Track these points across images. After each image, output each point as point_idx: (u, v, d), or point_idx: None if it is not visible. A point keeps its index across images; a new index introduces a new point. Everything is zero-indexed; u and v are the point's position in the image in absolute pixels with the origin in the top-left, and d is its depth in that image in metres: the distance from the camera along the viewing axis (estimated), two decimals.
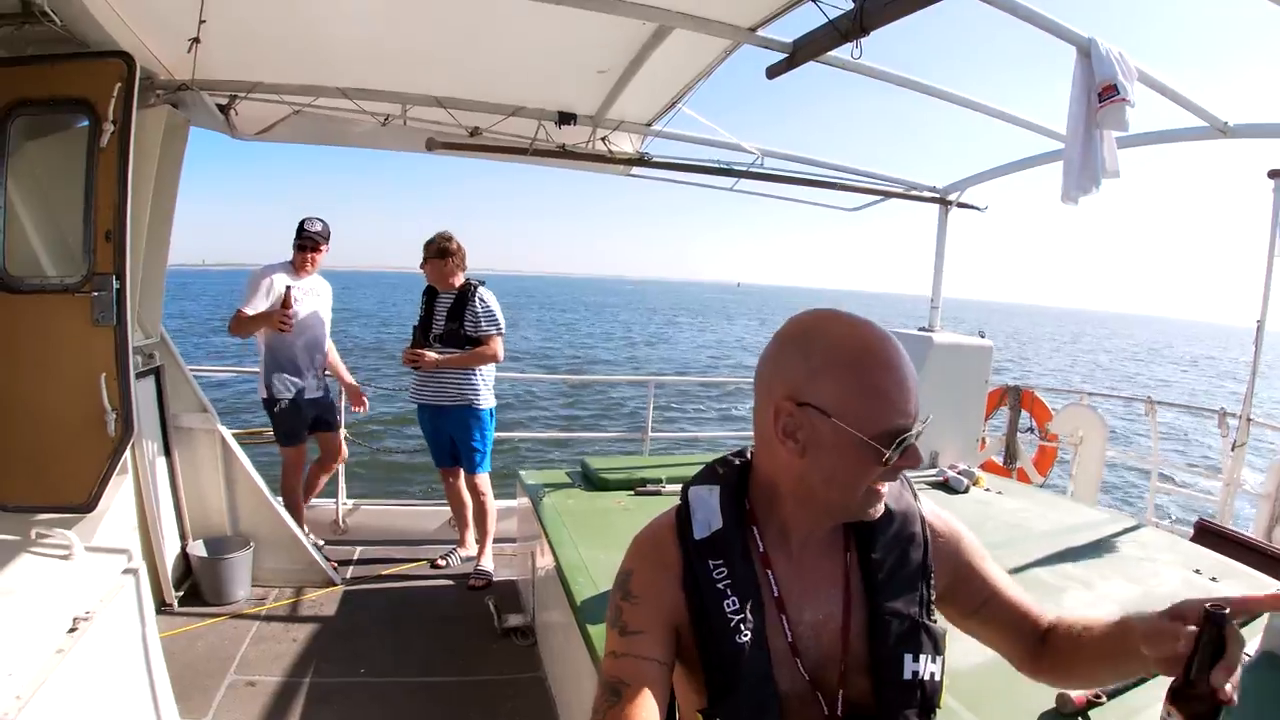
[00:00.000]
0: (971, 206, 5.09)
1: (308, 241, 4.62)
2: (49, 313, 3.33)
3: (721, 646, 1.13)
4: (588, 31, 3.36)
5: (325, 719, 3.27)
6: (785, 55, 3.35)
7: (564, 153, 4.52)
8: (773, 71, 3.48)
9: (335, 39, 3.65)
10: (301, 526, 4.67)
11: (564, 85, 4.08)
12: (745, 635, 1.13)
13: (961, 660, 1.49)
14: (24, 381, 3.34)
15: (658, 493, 3.99)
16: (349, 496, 5.38)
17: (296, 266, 4.65)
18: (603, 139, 4.53)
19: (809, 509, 1.18)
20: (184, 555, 4.28)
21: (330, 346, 4.88)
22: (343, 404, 5.11)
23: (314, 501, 5.16)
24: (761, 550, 1.21)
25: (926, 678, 1.17)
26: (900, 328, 5.08)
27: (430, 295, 4.68)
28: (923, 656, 1.17)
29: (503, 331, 4.61)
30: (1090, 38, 3.02)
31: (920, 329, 5.05)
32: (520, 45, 3.66)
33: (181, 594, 4.19)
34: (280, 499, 4.66)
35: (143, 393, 4.01)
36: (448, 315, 4.53)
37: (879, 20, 2.87)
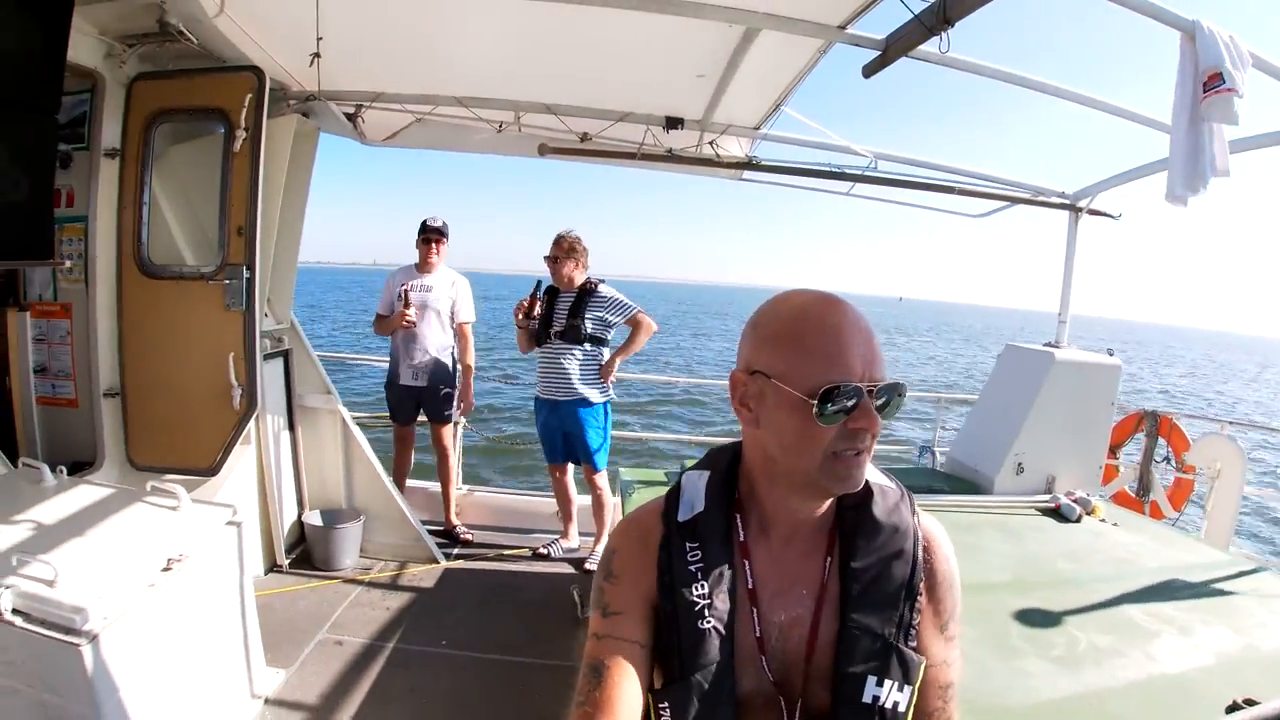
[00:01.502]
0: (1104, 214, 4.80)
1: (431, 235, 5.04)
2: (186, 297, 3.78)
3: (681, 630, 1.12)
4: (682, 36, 3.43)
5: (399, 682, 3.51)
6: (878, 52, 3.34)
7: (671, 157, 4.64)
8: (868, 70, 3.46)
9: (450, 51, 3.91)
10: (401, 493, 5.04)
11: (668, 90, 4.19)
12: (708, 622, 1.12)
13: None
14: (161, 358, 3.82)
15: None
16: (465, 482, 5.69)
17: (421, 261, 5.08)
18: (710, 143, 4.62)
19: (779, 487, 1.15)
20: (299, 523, 4.70)
21: (461, 339, 5.18)
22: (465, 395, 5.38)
23: (429, 485, 5.54)
24: (742, 539, 1.19)
25: (888, 705, 1.11)
26: (1028, 343, 4.90)
27: (551, 293, 4.87)
28: (888, 682, 1.11)
29: (639, 308, 4.77)
30: (1194, 20, 2.83)
31: (1046, 344, 4.83)
32: (622, 51, 3.81)
33: (293, 558, 4.59)
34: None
35: (271, 373, 4.46)
36: (569, 312, 4.70)
37: (962, 10, 2.83)
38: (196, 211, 3.89)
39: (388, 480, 4.88)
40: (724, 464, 1.25)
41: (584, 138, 4.58)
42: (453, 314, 5.12)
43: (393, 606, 4.20)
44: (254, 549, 4.31)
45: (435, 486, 5.43)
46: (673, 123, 4.38)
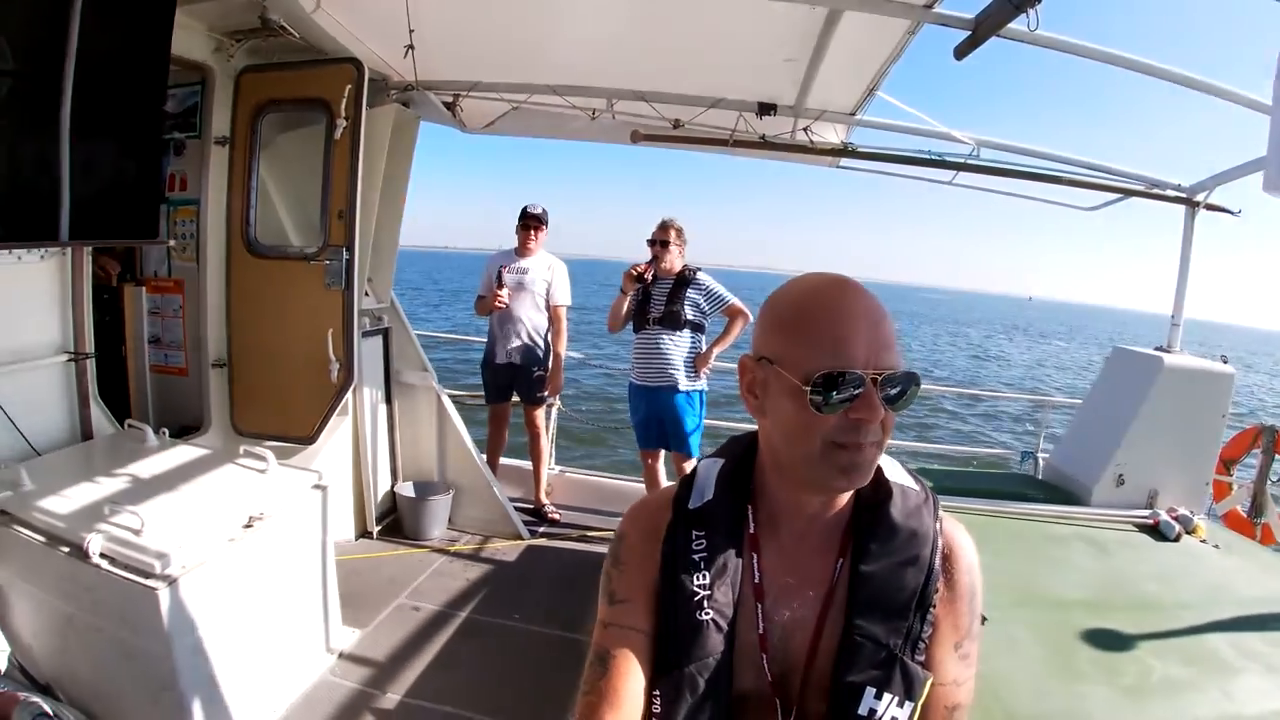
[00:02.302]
0: (1223, 209, 4.46)
1: (530, 222, 5.19)
2: (289, 276, 4.02)
3: (678, 619, 1.09)
4: (768, 20, 3.40)
5: (466, 649, 3.64)
6: (968, 32, 3.23)
7: (765, 144, 4.59)
8: (960, 51, 3.33)
9: (544, 40, 4.00)
10: (494, 475, 5.19)
11: (759, 76, 4.14)
12: (706, 613, 1.08)
13: None
14: (265, 332, 4.08)
15: None
16: (558, 463, 5.83)
17: (521, 247, 5.24)
18: (804, 129, 4.54)
19: (785, 479, 1.11)
20: (392, 493, 4.93)
21: (555, 322, 5.26)
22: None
23: (523, 463, 5.69)
24: (752, 531, 1.15)
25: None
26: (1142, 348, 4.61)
27: (652, 280, 4.86)
28: (888, 696, 1.04)
29: (736, 298, 4.75)
30: None
31: (1157, 348, 4.53)
32: (711, 36, 3.78)
33: (383, 526, 4.82)
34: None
35: (370, 349, 4.71)
36: (667, 299, 4.72)
37: None
38: (300, 196, 4.12)
39: (478, 456, 5.05)
40: (738, 453, 1.20)
41: (676, 124, 4.59)
42: (548, 297, 5.22)
43: (472, 578, 4.35)
44: (345, 515, 4.57)
45: (528, 465, 5.57)
46: (765, 109, 4.33)
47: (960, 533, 1.17)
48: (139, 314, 4.16)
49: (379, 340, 4.83)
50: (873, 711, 1.04)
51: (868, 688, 1.05)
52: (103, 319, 4.00)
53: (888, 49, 3.74)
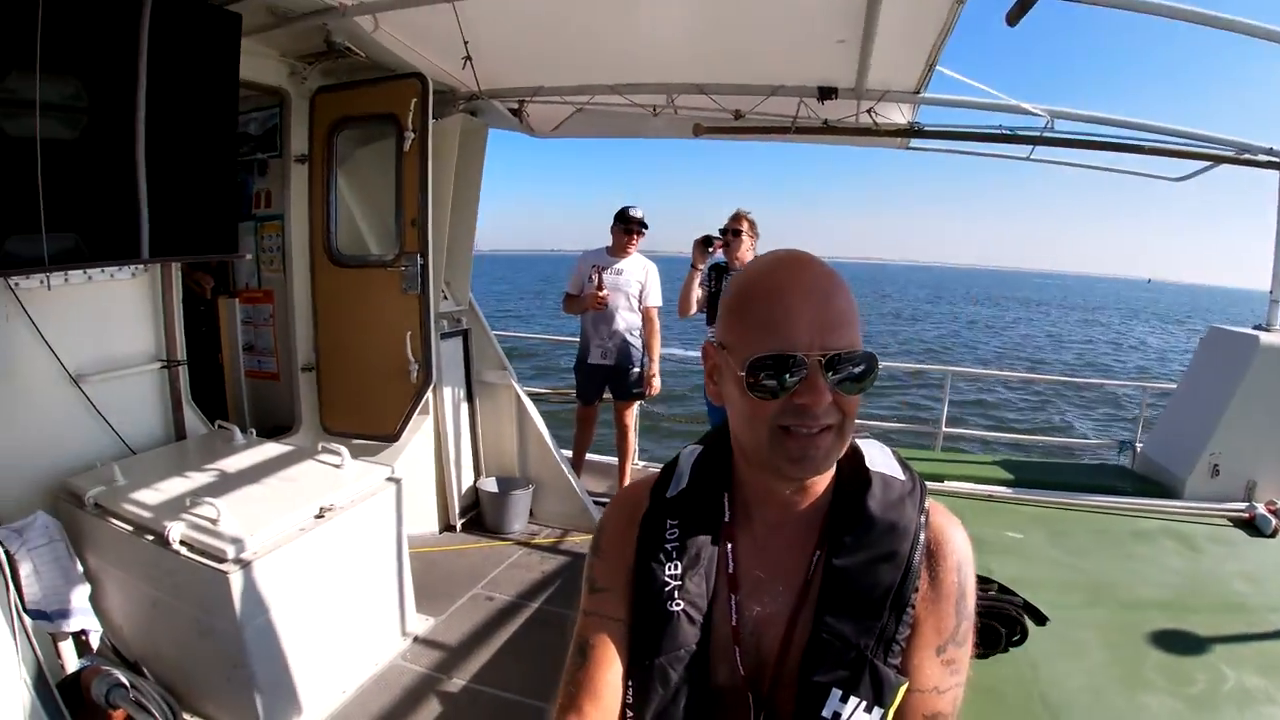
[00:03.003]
0: None
1: (634, 226, 5.23)
2: (368, 283, 4.26)
3: (649, 610, 1.07)
4: (815, 2, 3.42)
5: (535, 639, 3.75)
6: None
7: (828, 128, 4.52)
8: (1011, 16, 3.23)
9: (601, 40, 4.04)
10: (578, 475, 5.29)
11: (815, 60, 4.06)
12: (677, 604, 1.06)
13: None
14: (349, 336, 4.33)
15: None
16: (641, 459, 5.89)
17: (617, 248, 5.29)
18: (868, 111, 4.46)
19: (750, 467, 1.08)
20: (475, 488, 5.11)
21: (648, 323, 5.31)
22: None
23: (608, 459, 5.81)
24: (727, 520, 1.12)
25: None
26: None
27: (720, 271, 4.92)
28: (854, 700, 0.98)
29: None
30: None
31: (1255, 327, 4.22)
32: (763, 23, 3.75)
33: (466, 520, 5.00)
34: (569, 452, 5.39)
35: (451, 350, 4.92)
36: None
37: None
38: (376, 206, 4.36)
39: (557, 451, 5.18)
40: (716, 439, 1.18)
41: (737, 115, 4.58)
42: (641, 297, 5.29)
43: (548, 570, 4.48)
44: (428, 509, 4.78)
45: (613, 460, 5.66)
46: (826, 93, 4.25)
47: (952, 528, 1.09)
48: (233, 324, 4.50)
49: (458, 341, 5.03)
50: (837, 715, 0.99)
51: (834, 689, 0.99)
52: (200, 329, 4.36)
53: (939, 21, 3.64)
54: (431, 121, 4.10)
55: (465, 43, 3.65)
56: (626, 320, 5.26)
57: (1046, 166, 4.73)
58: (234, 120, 3.40)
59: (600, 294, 5.12)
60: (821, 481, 1.08)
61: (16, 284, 2.86)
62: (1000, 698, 2.23)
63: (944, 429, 6.01)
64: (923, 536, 1.05)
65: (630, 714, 1.04)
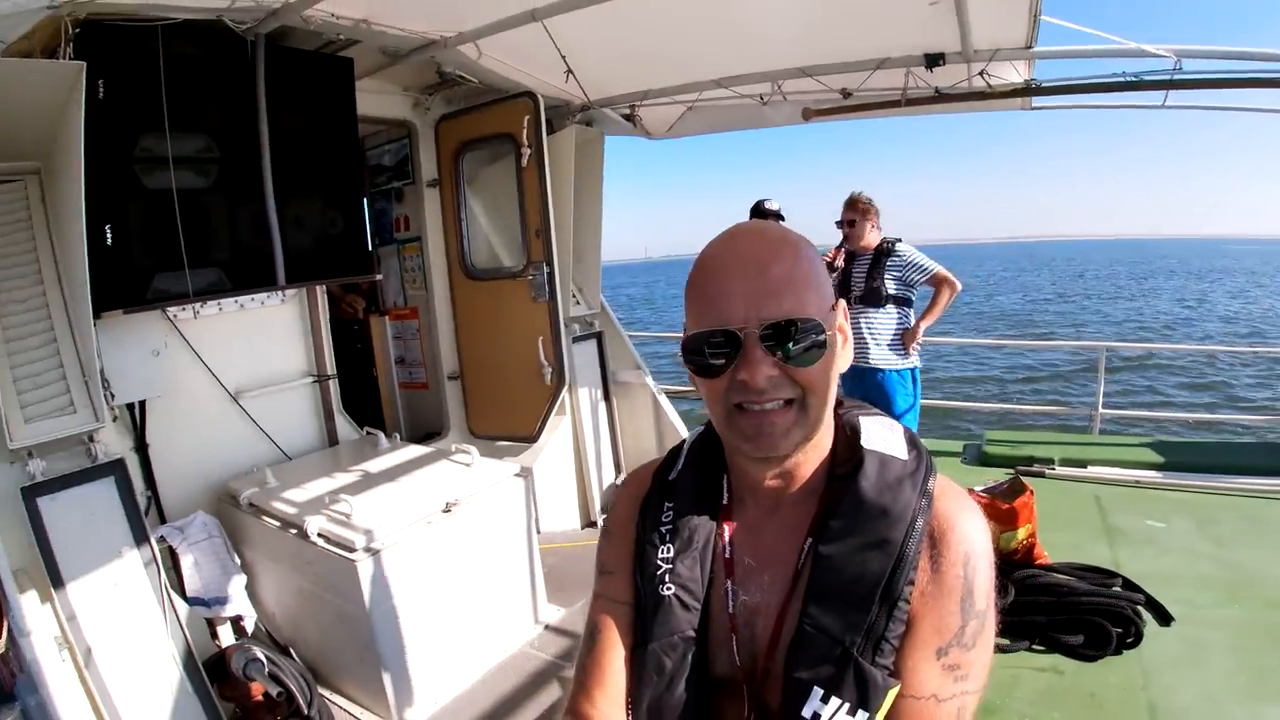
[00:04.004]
0: None
1: (768, 218, 5.16)
2: (501, 293, 4.52)
3: (643, 594, 1.05)
4: None
5: None
6: None
7: (940, 96, 4.29)
8: None
9: (697, 39, 4.06)
10: None
11: (915, 26, 3.84)
12: (668, 588, 1.02)
13: None
14: (488, 345, 4.60)
15: (1041, 474, 3.62)
16: None
17: None
18: (980, 73, 4.21)
19: (729, 449, 1.06)
20: (614, 485, 5.25)
21: None
22: None
23: None
24: (725, 502, 1.08)
25: None
26: None
27: (848, 257, 4.81)
28: (835, 701, 0.90)
29: (941, 266, 4.53)
30: None
31: None
32: None
33: (607, 516, 5.13)
34: None
35: (585, 353, 5.09)
36: (867, 275, 4.62)
37: None
38: (503, 220, 4.60)
39: None
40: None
41: (845, 94, 4.46)
42: None
43: None
44: (569, 506, 4.98)
45: None
46: (933, 60, 4.03)
47: (962, 514, 0.97)
48: (385, 340, 4.90)
49: (593, 344, 5.19)
50: (817, 716, 0.91)
51: (815, 687, 0.91)
52: (355, 347, 4.77)
53: None
54: (546, 135, 4.28)
55: (563, 57, 3.80)
56: None
57: (1173, 117, 4.24)
58: (355, 153, 3.72)
59: None
60: (807, 463, 1.02)
61: (175, 315, 3.29)
62: (1099, 705, 2.05)
63: (1100, 410, 5.49)
64: (921, 522, 0.94)
65: (629, 700, 1.02)
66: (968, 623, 0.93)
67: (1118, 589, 2.41)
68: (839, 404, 1.09)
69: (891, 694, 0.90)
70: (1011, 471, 3.63)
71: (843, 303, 1.02)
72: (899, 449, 1.01)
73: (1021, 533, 2.49)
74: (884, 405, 4.58)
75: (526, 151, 4.25)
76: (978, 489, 2.53)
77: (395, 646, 3.01)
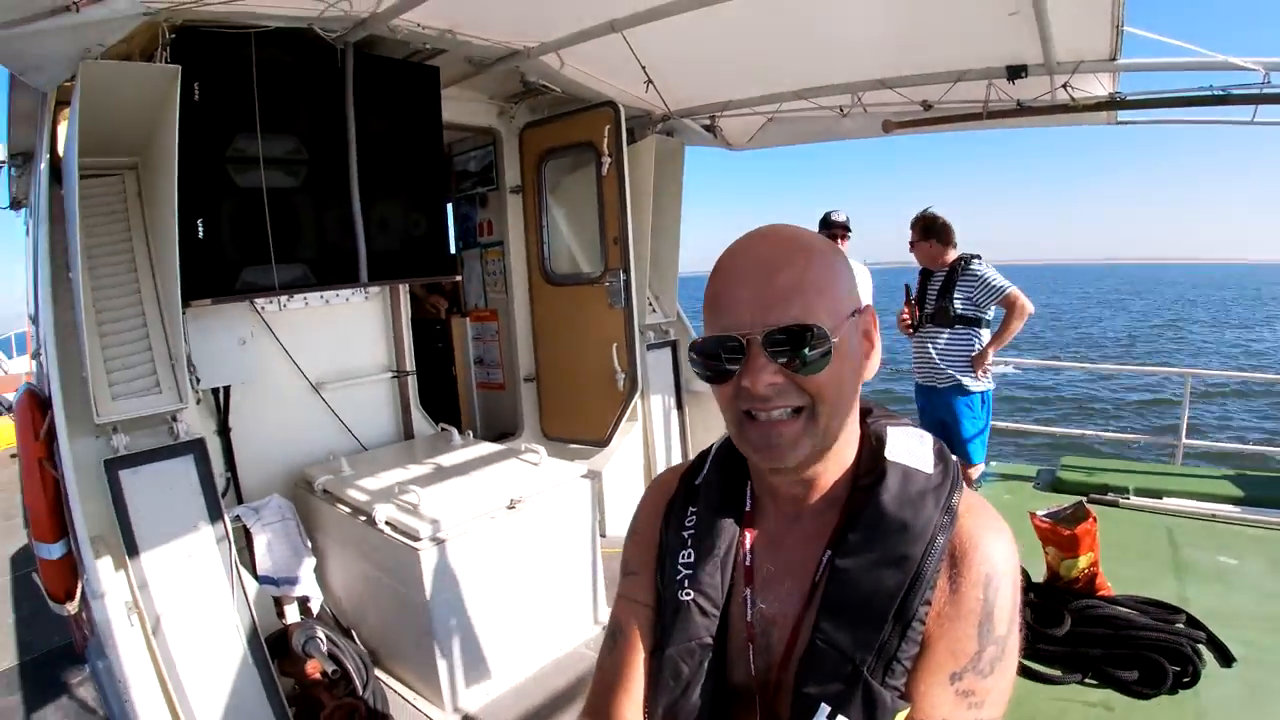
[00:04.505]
0: None
1: (837, 230, 5.12)
2: (579, 299, 4.57)
3: (664, 598, 1.04)
4: None
5: None
6: None
7: (1022, 110, 4.13)
8: None
9: (777, 50, 4.01)
10: None
11: (997, 37, 3.71)
12: (687, 594, 1.01)
13: None
14: (563, 349, 4.66)
15: (1114, 503, 3.43)
16: None
17: None
18: (1064, 85, 4.03)
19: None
20: None
21: None
22: None
23: None
24: (748, 509, 1.06)
25: None
26: None
27: (925, 275, 4.68)
28: (841, 718, 0.86)
29: (1014, 287, 4.34)
30: None
31: None
32: (935, 5, 3.59)
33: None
34: None
35: (659, 360, 5.08)
36: (938, 293, 4.49)
37: None
38: (583, 228, 4.65)
39: None
40: None
41: (926, 106, 4.35)
42: None
43: None
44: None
45: None
46: (1015, 72, 3.89)
47: (987, 534, 0.91)
48: (465, 340, 5.01)
49: (667, 352, 5.18)
50: None
51: (823, 704, 0.88)
52: (437, 346, 4.89)
53: None
54: (627, 145, 4.31)
55: (643, 67, 3.82)
56: None
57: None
58: (439, 158, 3.82)
59: None
60: (827, 473, 0.98)
61: (262, 307, 3.44)
62: None
63: (1184, 440, 5.15)
64: (941, 540, 0.89)
65: (646, 704, 1.01)
66: (985, 648, 0.88)
67: (1180, 625, 2.25)
68: (867, 412, 1.05)
69: (900, 716, 0.86)
70: (1085, 499, 3.44)
71: (870, 310, 0.98)
72: (925, 462, 0.97)
73: (1083, 561, 2.36)
74: (952, 427, 4.43)
75: (607, 160, 4.29)
76: (1039, 513, 2.41)
77: (452, 636, 3.05)
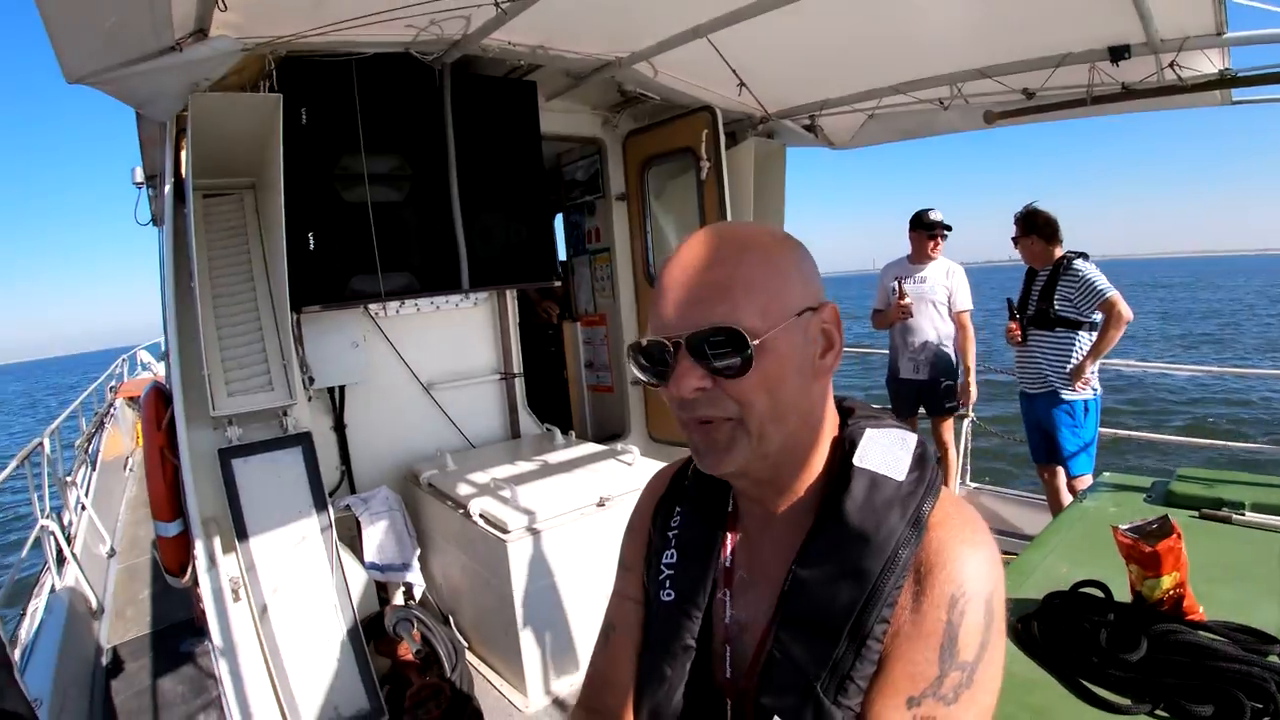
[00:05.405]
0: None
1: (937, 230, 4.85)
2: None
3: (648, 597, 1.04)
4: None
5: None
6: None
7: (1128, 93, 3.77)
8: None
9: (870, 44, 3.88)
10: None
11: (1093, 16, 3.39)
12: (668, 594, 0.99)
13: None
14: None
15: (1227, 519, 3.08)
16: (971, 480, 5.32)
17: (917, 254, 4.91)
18: (1170, 65, 3.68)
19: None
20: None
21: (961, 330, 4.84)
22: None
23: None
24: (730, 511, 1.01)
25: None
26: None
27: (1030, 276, 4.38)
28: None
29: (1114, 291, 3.98)
30: None
31: None
32: None
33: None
34: None
35: None
36: (1040, 294, 4.21)
37: None
38: (686, 232, 4.65)
39: None
40: None
41: (1028, 94, 4.09)
42: (949, 304, 4.86)
43: None
44: None
45: None
46: (1117, 52, 3.55)
47: (960, 549, 0.83)
48: (575, 344, 5.12)
49: None
50: None
51: (776, 717, 0.84)
52: (549, 350, 5.04)
53: None
54: (727, 149, 4.30)
55: (734, 71, 3.82)
56: (937, 330, 4.83)
57: None
58: (539, 169, 3.95)
59: (903, 303, 4.78)
60: (792, 478, 0.92)
61: (377, 313, 3.67)
62: None
63: None
64: (905, 554, 0.82)
65: (635, 701, 1.01)
66: (947, 674, 0.79)
67: (1274, 658, 2.02)
68: (849, 412, 0.98)
69: None
70: (1196, 514, 3.11)
71: (831, 307, 0.89)
72: (898, 468, 0.88)
73: (1166, 581, 2.13)
74: (1056, 435, 4.13)
75: (705, 165, 4.30)
76: (1122, 527, 2.22)
77: (537, 625, 3.13)
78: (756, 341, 0.80)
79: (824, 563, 0.85)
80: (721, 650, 0.95)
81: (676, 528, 1.02)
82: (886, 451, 0.89)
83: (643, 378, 0.87)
